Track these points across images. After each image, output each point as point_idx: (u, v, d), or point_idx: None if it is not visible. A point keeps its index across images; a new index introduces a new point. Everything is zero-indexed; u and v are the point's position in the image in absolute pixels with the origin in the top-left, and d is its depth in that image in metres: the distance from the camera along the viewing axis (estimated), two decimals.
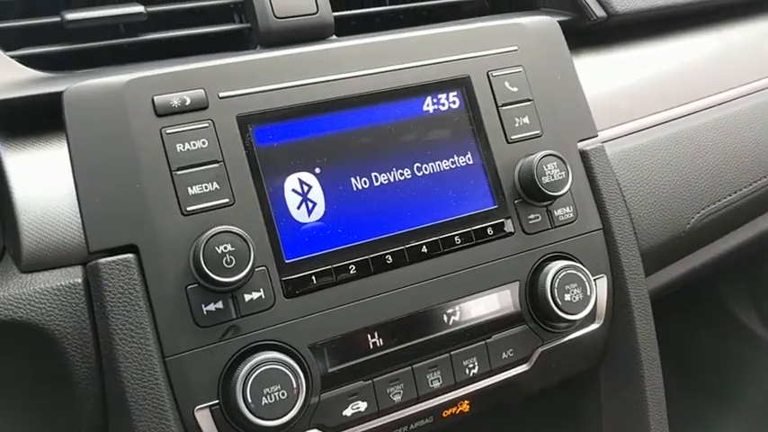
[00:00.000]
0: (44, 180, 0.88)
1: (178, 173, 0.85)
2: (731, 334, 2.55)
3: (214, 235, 0.81)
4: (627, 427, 1.09)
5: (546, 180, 0.98)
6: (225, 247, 0.81)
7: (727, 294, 2.59)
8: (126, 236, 0.83)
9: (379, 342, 0.92)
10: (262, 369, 0.82)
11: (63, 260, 0.84)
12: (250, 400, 0.81)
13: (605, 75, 1.23)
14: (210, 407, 0.83)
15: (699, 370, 2.70)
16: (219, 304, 0.84)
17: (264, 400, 0.82)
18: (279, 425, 0.82)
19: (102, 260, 0.82)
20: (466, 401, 1.02)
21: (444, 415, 1.01)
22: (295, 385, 0.83)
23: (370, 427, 0.92)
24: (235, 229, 0.82)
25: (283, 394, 0.82)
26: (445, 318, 0.96)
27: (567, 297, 0.98)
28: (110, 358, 0.81)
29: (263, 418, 0.81)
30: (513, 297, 1.00)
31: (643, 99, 1.22)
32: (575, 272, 0.99)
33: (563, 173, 0.99)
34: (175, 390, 0.83)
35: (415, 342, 0.94)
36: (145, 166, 0.84)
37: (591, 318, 1.05)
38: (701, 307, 2.63)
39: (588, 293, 0.99)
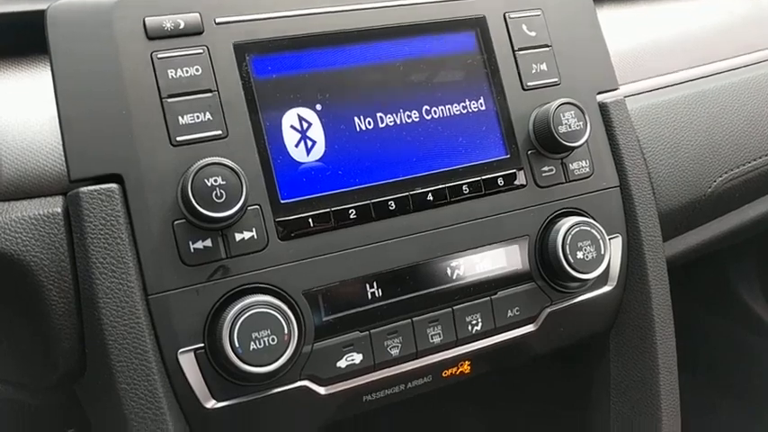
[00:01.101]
0: (25, 105, 0.82)
1: (168, 100, 0.80)
2: (741, 322, 2.51)
3: (204, 166, 0.76)
4: (636, 397, 1.03)
5: (563, 129, 0.92)
6: (215, 180, 0.76)
7: (737, 281, 2.55)
8: (110, 164, 0.77)
9: (378, 293, 0.87)
10: (251, 312, 0.76)
11: (43, 189, 0.79)
12: (237, 345, 0.76)
13: (628, 29, 1.17)
14: (195, 350, 0.78)
15: (706, 358, 2.65)
16: (208, 242, 0.79)
17: (253, 345, 0.76)
18: (267, 372, 0.77)
19: (84, 189, 0.76)
20: (467, 362, 0.96)
21: (444, 375, 0.96)
22: (286, 331, 0.78)
23: (365, 381, 0.87)
24: (226, 161, 0.76)
25: (273, 340, 0.77)
26: (449, 271, 0.90)
27: (580, 255, 0.92)
28: (88, 294, 0.76)
29: (250, 364, 0.76)
30: (521, 253, 0.94)
31: (667, 56, 1.15)
32: (588, 229, 0.93)
33: (581, 123, 0.93)
34: (158, 331, 0.77)
35: (415, 295, 0.88)
36: (133, 91, 0.79)
37: (603, 279, 0.99)
38: (709, 294, 2.59)
39: (602, 252, 0.93)
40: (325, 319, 0.84)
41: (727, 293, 2.52)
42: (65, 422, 1.62)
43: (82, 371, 0.81)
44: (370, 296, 0.86)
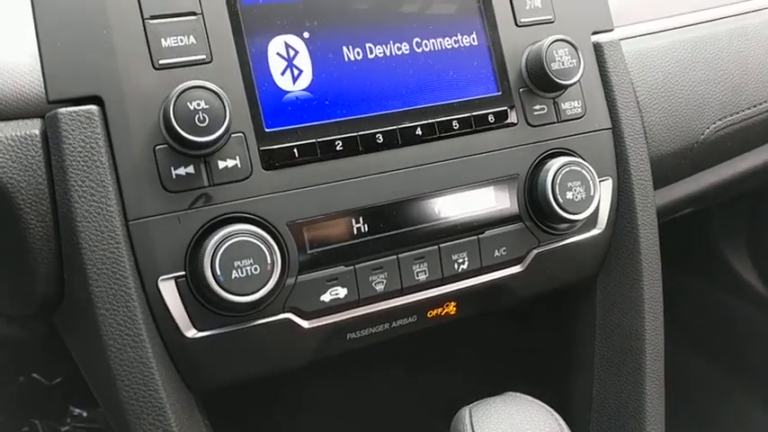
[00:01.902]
0: (2, 25, 0.79)
1: (151, 21, 0.77)
2: (728, 288, 2.53)
3: (187, 89, 0.73)
4: (621, 341, 1.03)
5: (555, 67, 0.90)
6: (198, 104, 0.73)
7: (725, 247, 2.55)
8: (89, 86, 0.75)
9: (364, 228, 0.85)
10: (234, 240, 0.75)
11: (20, 112, 0.77)
12: (219, 273, 0.74)
13: None
14: (176, 278, 0.77)
15: (693, 324, 2.67)
16: (190, 169, 0.77)
17: (235, 274, 0.75)
18: (249, 301, 0.75)
19: (62, 110, 0.74)
20: (453, 303, 0.96)
21: (429, 316, 0.95)
22: (269, 261, 0.76)
23: (349, 316, 0.86)
24: (209, 84, 0.74)
25: (256, 269, 0.76)
26: (436, 208, 0.89)
27: (569, 195, 0.91)
28: (67, 218, 0.74)
29: (232, 293, 0.75)
30: (510, 192, 0.92)
31: (664, 0, 1.13)
32: (578, 169, 0.91)
33: (574, 60, 0.91)
34: (138, 257, 0.76)
35: (401, 231, 0.87)
36: (114, 11, 0.76)
37: (592, 222, 0.98)
38: (697, 260, 2.60)
39: (591, 193, 0.92)
40: (309, 251, 0.82)
41: (714, 260, 2.53)
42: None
43: (60, 298, 0.79)
44: (355, 231, 0.85)
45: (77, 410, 1.96)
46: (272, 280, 0.76)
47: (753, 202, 2.41)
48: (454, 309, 0.97)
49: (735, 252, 2.53)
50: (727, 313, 2.54)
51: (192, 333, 0.78)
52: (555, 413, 0.78)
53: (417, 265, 0.88)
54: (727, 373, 2.53)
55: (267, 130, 0.80)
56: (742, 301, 2.50)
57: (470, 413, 0.79)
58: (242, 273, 0.75)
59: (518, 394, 0.81)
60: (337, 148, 0.83)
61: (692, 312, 2.68)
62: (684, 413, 2.40)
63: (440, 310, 0.96)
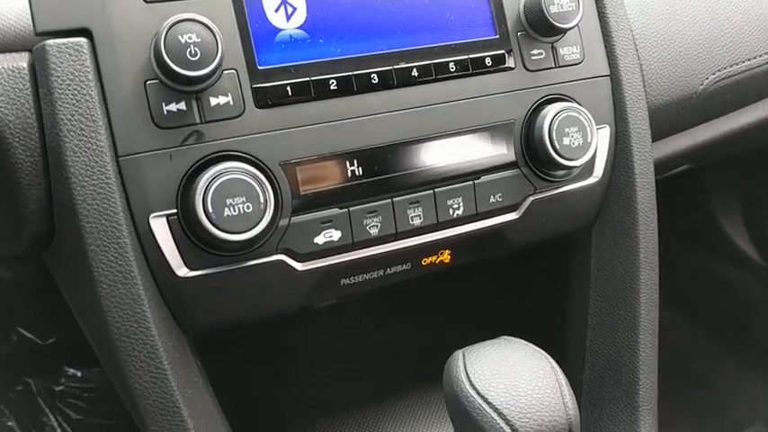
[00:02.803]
0: None
1: None
2: (724, 257, 2.54)
3: (178, 22, 0.72)
4: (616, 292, 1.03)
5: (554, 10, 0.89)
6: (189, 37, 0.72)
7: (721, 216, 2.56)
8: (78, 18, 0.73)
9: (358, 170, 0.84)
10: (226, 177, 0.74)
11: (7, 44, 0.75)
12: (211, 210, 0.73)
13: None
14: (168, 216, 0.76)
15: (688, 292, 2.69)
16: (182, 105, 0.76)
17: (227, 212, 0.74)
18: (242, 240, 0.75)
19: (51, 42, 0.73)
20: (447, 251, 0.95)
21: (424, 263, 0.94)
22: (262, 200, 0.75)
23: (343, 260, 0.85)
24: (201, 17, 0.73)
25: (248, 207, 0.75)
26: (432, 152, 0.88)
27: (566, 141, 0.90)
28: (56, 152, 0.73)
29: (224, 231, 0.74)
30: (507, 137, 0.91)
31: None
32: (576, 115, 0.90)
33: (573, 3, 0.90)
34: (129, 194, 0.75)
35: (396, 174, 0.86)
36: None
37: (588, 171, 0.97)
38: (693, 228, 2.61)
39: (588, 140, 0.91)
40: (303, 192, 0.81)
41: (710, 228, 2.53)
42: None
43: (50, 236, 0.79)
44: (349, 173, 0.84)
45: (72, 370, 1.96)
46: (264, 219, 0.76)
47: (748, 171, 2.41)
48: (449, 257, 0.96)
49: (731, 221, 2.54)
50: (722, 281, 2.56)
51: (183, 272, 0.77)
52: (548, 356, 0.78)
53: (412, 210, 0.87)
54: (720, 340, 2.55)
55: (260, 67, 0.79)
56: (738, 269, 2.51)
57: (464, 355, 0.78)
58: (234, 211, 0.74)
59: (512, 338, 0.81)
60: (331, 87, 0.82)
61: (687, 280, 2.70)
62: (677, 378, 2.43)
63: (434, 258, 0.95)
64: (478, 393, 0.72)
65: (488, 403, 0.71)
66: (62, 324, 1.75)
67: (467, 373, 0.75)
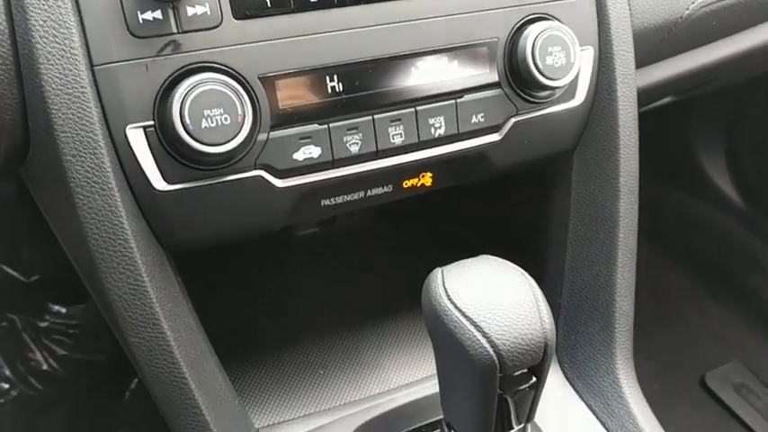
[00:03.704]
0: None
1: None
2: (707, 200, 2.57)
3: None
4: (596, 215, 1.03)
5: None
6: None
7: (704, 160, 2.58)
8: None
9: (339, 86, 0.83)
10: (204, 88, 0.73)
11: None
12: (188, 121, 0.73)
13: None
14: (145, 127, 0.75)
15: (671, 233, 2.73)
16: (158, 14, 0.74)
17: (205, 123, 0.73)
18: (219, 152, 0.74)
19: None
20: (429, 173, 0.95)
21: (405, 186, 0.94)
22: (240, 112, 0.75)
23: (323, 178, 0.85)
24: None
25: (226, 119, 0.74)
26: (414, 70, 0.87)
27: (549, 60, 0.89)
28: (29, 60, 0.72)
29: (202, 143, 0.73)
30: (490, 57, 0.90)
31: None
32: (560, 34, 0.89)
33: None
34: (105, 104, 0.74)
35: (377, 91, 0.85)
36: None
37: (571, 93, 0.97)
38: (677, 171, 2.63)
39: (571, 60, 0.90)
40: (281, 107, 0.80)
41: (694, 172, 2.55)
42: None
43: (26, 149, 0.77)
44: (329, 89, 0.83)
45: (56, 307, 1.97)
46: (242, 132, 0.75)
47: (732, 114, 2.42)
48: (430, 180, 0.96)
49: (713, 163, 2.56)
50: (702, 221, 2.59)
51: (162, 186, 0.77)
52: (525, 272, 0.78)
53: (393, 128, 0.87)
54: (698, 278, 2.60)
55: None
56: (718, 210, 2.54)
57: (443, 272, 0.79)
58: (212, 122, 0.73)
59: (491, 256, 0.81)
60: None
61: (668, 220, 2.73)
62: (654, 314, 2.47)
63: (416, 180, 0.95)
64: (456, 308, 0.72)
65: (466, 317, 0.72)
66: (46, 261, 1.75)
67: (445, 289, 0.75)
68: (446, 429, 0.86)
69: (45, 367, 1.94)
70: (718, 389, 2.29)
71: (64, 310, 1.98)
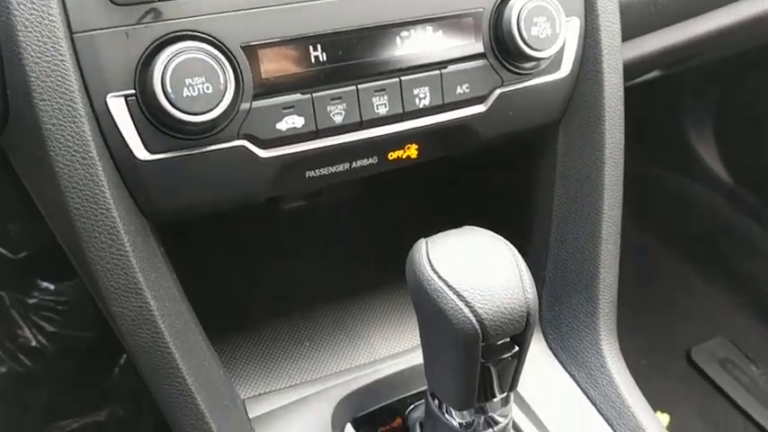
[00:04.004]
0: None
1: None
2: (696, 178, 2.59)
3: None
4: (581, 187, 1.04)
5: None
6: None
7: (694, 139, 2.59)
8: None
9: (322, 56, 0.83)
10: (185, 56, 0.73)
11: None
12: (170, 90, 0.72)
13: None
14: (126, 96, 0.74)
15: (659, 211, 2.75)
16: None
17: (186, 92, 0.73)
18: (201, 121, 0.74)
19: None
20: (414, 145, 0.95)
21: (390, 157, 0.94)
22: (222, 81, 0.74)
23: (307, 148, 0.85)
24: None
25: (208, 88, 0.73)
26: (399, 40, 0.86)
27: (534, 31, 0.89)
28: (6, 27, 0.71)
29: (184, 111, 0.73)
30: (475, 27, 0.90)
31: None
32: (545, 5, 0.89)
33: None
34: (85, 72, 0.73)
35: (361, 61, 0.85)
36: None
37: (556, 64, 0.97)
38: (668, 150, 2.64)
39: (557, 31, 0.90)
40: (264, 76, 0.80)
41: (684, 150, 2.57)
42: None
43: (5, 117, 0.77)
44: (313, 59, 0.83)
45: (44, 284, 1.97)
46: (224, 101, 0.75)
47: (722, 92, 2.43)
48: (416, 152, 0.96)
49: (703, 142, 2.57)
50: (691, 200, 2.61)
51: (144, 155, 0.77)
52: (509, 243, 0.79)
53: (377, 98, 0.86)
54: (687, 256, 2.62)
55: None
56: (707, 189, 2.56)
57: (427, 243, 0.79)
58: (194, 91, 0.73)
59: (474, 227, 0.82)
60: None
61: (657, 198, 2.75)
62: (642, 291, 2.50)
63: (401, 152, 0.95)
64: (440, 277, 0.73)
65: (449, 287, 0.72)
66: (34, 238, 1.74)
67: (429, 259, 0.75)
68: (430, 399, 0.87)
69: (34, 344, 1.94)
70: (703, 363, 2.33)
71: (52, 287, 1.98)
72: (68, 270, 1.81)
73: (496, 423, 0.84)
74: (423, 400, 0.93)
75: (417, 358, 0.94)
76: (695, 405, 2.21)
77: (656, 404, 2.26)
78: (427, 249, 0.77)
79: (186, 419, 0.83)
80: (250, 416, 0.96)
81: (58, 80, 0.72)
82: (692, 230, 2.67)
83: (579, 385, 1.01)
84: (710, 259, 2.59)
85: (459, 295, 0.71)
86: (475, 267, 0.73)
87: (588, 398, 0.99)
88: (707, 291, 2.54)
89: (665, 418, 2.18)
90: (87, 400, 1.94)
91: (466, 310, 0.71)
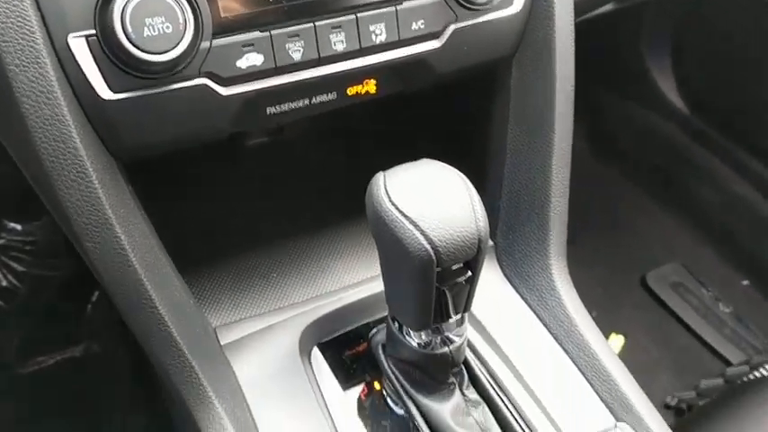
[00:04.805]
0: None
1: None
2: (654, 108, 2.62)
3: None
4: (534, 121, 1.08)
5: None
6: None
7: (652, 69, 2.61)
8: None
9: None
10: None
11: None
12: (130, 30, 0.74)
13: None
14: (87, 36, 0.76)
15: (619, 140, 2.79)
16: None
17: (147, 32, 0.75)
18: (163, 61, 0.76)
19: None
20: (372, 80, 0.98)
21: (349, 93, 0.97)
22: (181, 20, 0.76)
23: (267, 85, 0.87)
24: None
25: (168, 28, 0.75)
26: None
27: None
28: None
29: (145, 51, 0.75)
30: None
31: None
32: None
33: None
34: (44, 13, 0.74)
35: None
36: None
37: (509, 0, 0.99)
38: (626, 80, 2.67)
39: None
40: (223, 14, 0.82)
41: (642, 80, 2.60)
42: None
43: None
44: None
45: (11, 224, 1.97)
46: (184, 40, 0.77)
47: (679, 23, 2.45)
48: (374, 87, 0.99)
49: (660, 72, 2.61)
50: (650, 130, 2.66)
51: (107, 95, 0.78)
52: (461, 174, 0.82)
53: (335, 35, 0.89)
54: (645, 185, 2.69)
55: None
56: (665, 119, 2.61)
57: (385, 175, 0.83)
58: (154, 31, 0.75)
59: (430, 160, 0.85)
60: None
61: (617, 129, 2.80)
62: (604, 220, 2.57)
63: (359, 87, 0.97)
64: (397, 208, 0.77)
65: (406, 217, 0.76)
66: None
67: (386, 191, 0.79)
68: (391, 323, 0.93)
69: (5, 284, 1.95)
70: (657, 288, 2.41)
71: (20, 227, 1.98)
72: (35, 210, 1.81)
73: (452, 342, 0.89)
74: (384, 324, 0.99)
75: (378, 286, 0.99)
76: (649, 327, 2.30)
77: (612, 327, 2.37)
78: (385, 182, 0.81)
79: (161, 347, 0.88)
80: (221, 343, 1.01)
81: (18, 21, 0.73)
82: (650, 160, 2.72)
83: (530, 307, 1.08)
84: (667, 188, 2.65)
85: (414, 225, 0.75)
86: (430, 198, 0.77)
87: (539, 318, 1.06)
88: (662, 218, 2.62)
89: (620, 340, 2.27)
90: (62, 338, 1.96)
91: (421, 238, 0.75)
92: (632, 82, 2.66)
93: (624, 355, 2.28)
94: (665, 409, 2.09)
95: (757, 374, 1.42)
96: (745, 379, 1.44)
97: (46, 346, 1.94)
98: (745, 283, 2.39)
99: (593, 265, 2.45)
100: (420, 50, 0.95)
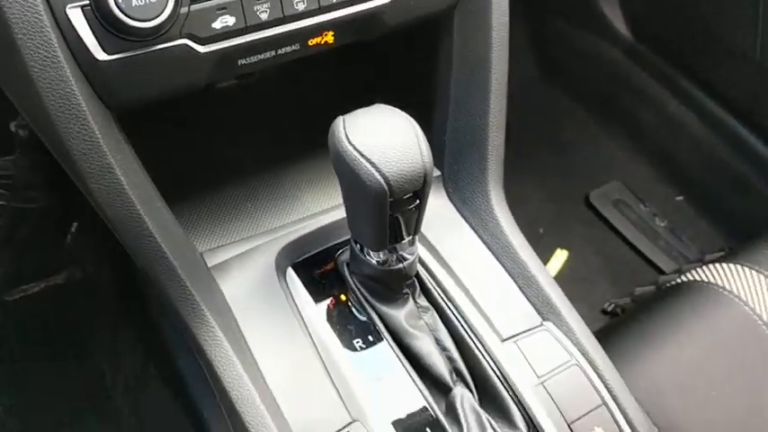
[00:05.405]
0: None
1: None
2: (599, 34, 2.72)
3: None
4: (473, 66, 1.21)
5: None
6: None
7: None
8: None
9: None
10: None
11: None
12: (120, 1, 0.86)
13: None
14: (82, 6, 0.87)
15: (565, 67, 2.90)
16: None
17: (135, 2, 0.86)
18: (150, 27, 0.88)
19: None
20: (330, 32, 1.10)
21: (310, 44, 1.09)
22: None
23: (239, 42, 0.99)
24: None
25: None
26: None
27: None
28: None
29: (133, 18, 0.87)
30: None
31: None
32: None
33: None
34: None
35: None
36: None
37: None
38: (572, 8, 2.75)
39: None
40: None
41: (591, 11, 2.69)
42: None
43: None
44: None
45: None
46: (167, 8, 0.88)
47: None
48: (332, 38, 1.11)
49: (608, 2, 2.70)
50: (594, 56, 2.77)
51: (102, 56, 0.90)
52: (410, 117, 0.96)
53: None
54: (588, 109, 2.83)
55: None
56: (609, 44, 2.72)
57: (344, 119, 0.96)
58: (141, 1, 0.87)
59: (384, 105, 0.99)
60: None
61: (562, 56, 2.90)
62: (549, 143, 2.72)
63: (319, 39, 1.09)
64: (355, 149, 0.90)
65: (363, 156, 0.89)
66: None
67: (346, 133, 0.92)
68: (354, 244, 1.08)
69: None
70: (600, 205, 2.55)
71: None
72: (6, 146, 1.85)
73: (405, 259, 1.06)
74: (348, 246, 1.14)
75: (342, 213, 1.14)
76: (592, 242, 2.47)
77: (559, 242, 2.54)
78: (344, 125, 0.94)
79: (161, 269, 1.03)
80: (208, 265, 1.17)
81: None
82: (595, 85, 2.84)
83: (472, 227, 1.24)
84: (611, 111, 2.78)
85: (370, 162, 0.89)
86: (383, 139, 0.91)
87: (479, 237, 1.23)
88: (606, 140, 2.75)
89: (563, 254, 2.45)
90: (45, 265, 2.03)
91: (376, 174, 0.89)
92: (580, 11, 2.75)
93: (568, 267, 2.47)
94: (602, 314, 2.29)
95: (682, 279, 1.61)
96: (672, 283, 1.63)
97: (30, 275, 2.02)
98: (680, 198, 2.56)
99: (541, 186, 2.60)
100: (372, 6, 1.07)
